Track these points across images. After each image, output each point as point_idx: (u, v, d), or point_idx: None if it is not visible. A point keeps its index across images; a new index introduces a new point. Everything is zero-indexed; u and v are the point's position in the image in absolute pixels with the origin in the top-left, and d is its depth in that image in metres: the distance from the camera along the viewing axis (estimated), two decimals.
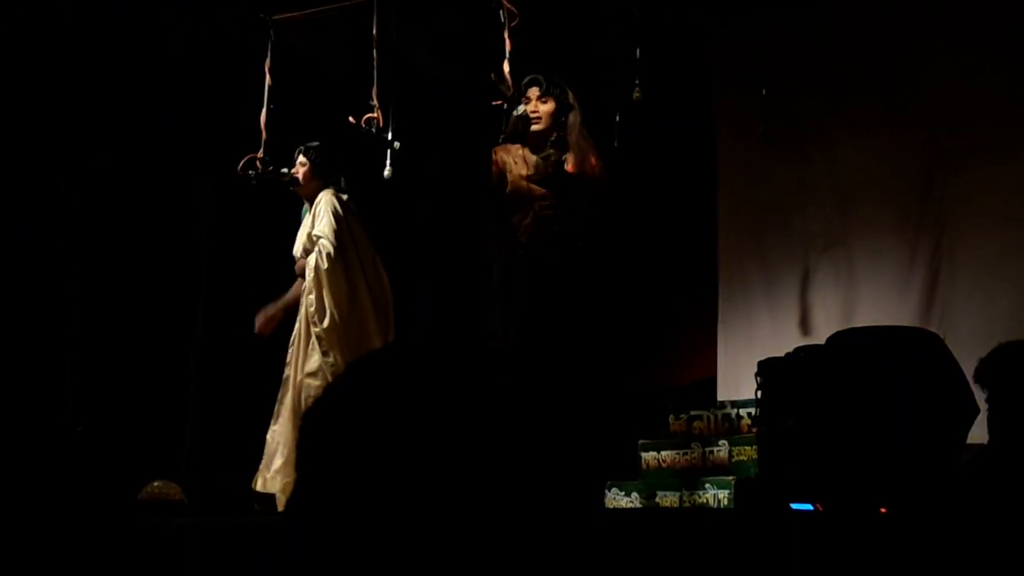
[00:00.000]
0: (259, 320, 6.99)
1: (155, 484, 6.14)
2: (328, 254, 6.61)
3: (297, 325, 6.73)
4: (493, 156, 6.13)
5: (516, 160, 6.07)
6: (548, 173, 5.91)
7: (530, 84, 6.10)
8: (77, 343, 8.11)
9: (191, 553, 4.37)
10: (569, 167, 6.01)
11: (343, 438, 1.19)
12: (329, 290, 6.61)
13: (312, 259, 6.64)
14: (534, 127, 6.06)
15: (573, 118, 6.10)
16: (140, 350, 8.25)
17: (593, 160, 6.06)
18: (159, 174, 8.38)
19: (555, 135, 6.04)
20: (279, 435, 6.64)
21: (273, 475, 6.57)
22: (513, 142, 6.13)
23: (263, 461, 6.67)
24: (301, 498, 1.20)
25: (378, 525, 1.16)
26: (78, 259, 8.17)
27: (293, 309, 6.84)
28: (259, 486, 6.62)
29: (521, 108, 6.06)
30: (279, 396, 6.73)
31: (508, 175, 6.07)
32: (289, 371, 6.72)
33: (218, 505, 6.78)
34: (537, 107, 6.07)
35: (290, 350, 6.74)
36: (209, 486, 7.07)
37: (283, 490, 6.45)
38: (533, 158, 6.04)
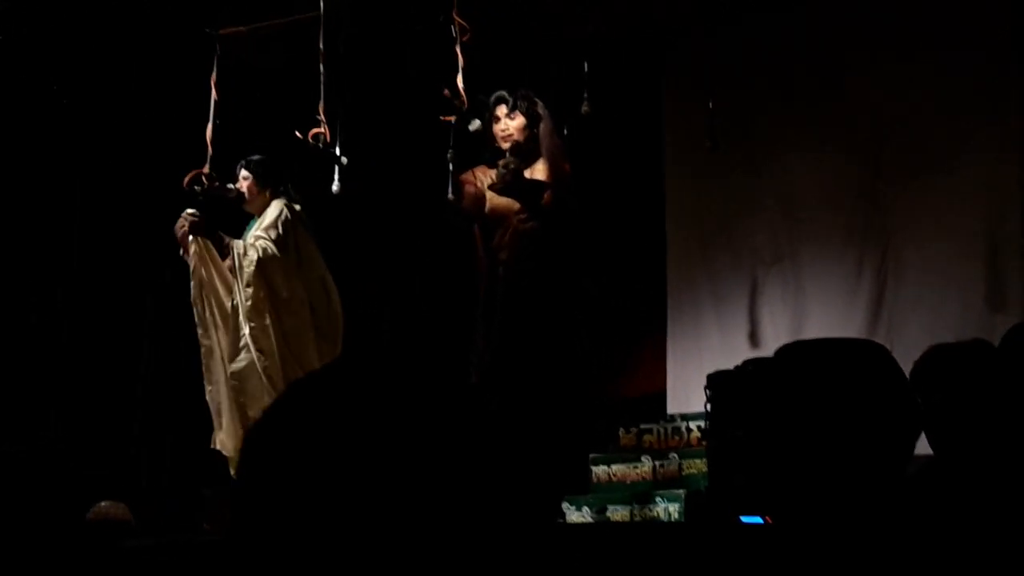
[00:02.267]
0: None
1: (102, 504, 6.08)
2: (267, 250, 6.47)
3: (199, 294, 6.59)
4: (468, 178, 6.08)
5: (489, 179, 6.05)
6: (507, 181, 5.87)
7: (497, 103, 6.06)
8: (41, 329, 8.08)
9: (139, 574, 4.33)
10: (543, 175, 5.97)
11: (286, 458, 1.17)
12: (265, 289, 6.48)
13: (252, 254, 6.50)
14: (505, 144, 6.01)
15: (544, 127, 6.07)
16: (88, 367, 8.21)
17: (567, 167, 6.04)
18: (106, 185, 8.35)
19: (522, 146, 6.00)
20: (216, 395, 6.60)
21: (227, 434, 6.52)
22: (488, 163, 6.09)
23: (215, 423, 6.60)
24: (245, 516, 1.19)
25: (325, 545, 1.15)
26: (45, 251, 8.15)
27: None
28: (217, 444, 6.58)
29: (476, 123, 6.03)
30: (204, 362, 6.64)
31: (486, 195, 6.03)
32: (209, 342, 6.62)
33: (167, 524, 6.73)
34: (507, 124, 6.02)
35: (197, 311, 6.61)
36: (159, 505, 7.03)
37: (235, 450, 6.39)
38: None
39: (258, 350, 6.43)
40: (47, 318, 8.28)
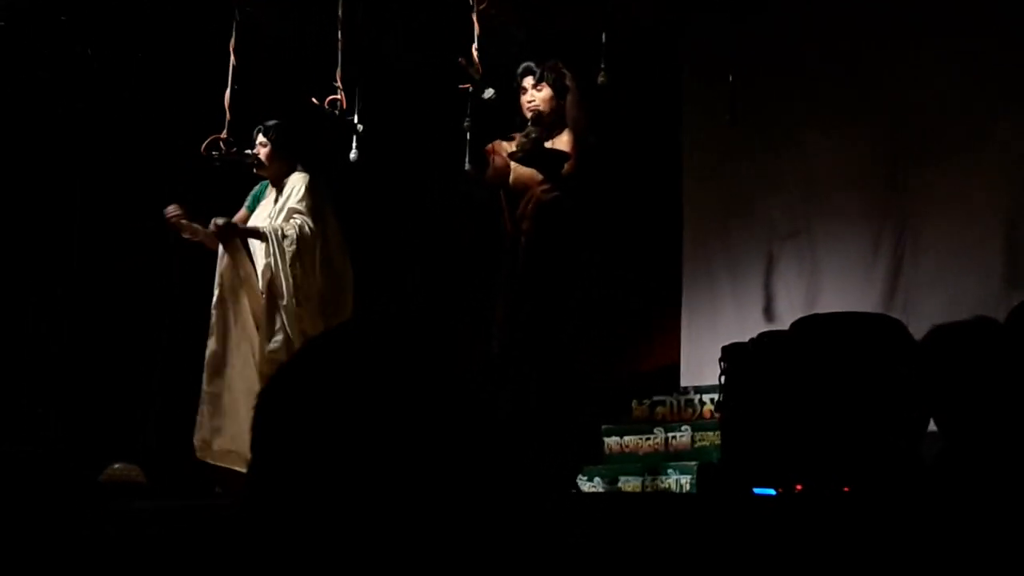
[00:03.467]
0: (175, 216, 6.57)
1: (116, 466, 6.10)
2: (308, 228, 6.47)
3: (223, 287, 6.51)
4: (492, 148, 6.05)
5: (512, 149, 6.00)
6: (527, 150, 5.83)
7: (523, 74, 5.99)
8: (39, 324, 8.08)
9: (152, 535, 4.34)
10: (567, 146, 5.93)
11: (299, 418, 1.17)
12: (302, 267, 6.47)
13: (290, 232, 6.47)
14: (531, 115, 5.96)
15: (571, 98, 6.02)
16: (107, 334, 8.22)
17: (592, 139, 6.00)
18: (125, 157, 8.34)
19: (545, 117, 5.96)
20: (217, 387, 6.48)
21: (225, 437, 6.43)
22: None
23: (206, 423, 6.47)
24: (259, 478, 1.19)
25: (338, 509, 1.14)
26: (46, 248, 8.14)
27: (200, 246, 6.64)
28: (201, 445, 6.44)
29: (490, 92, 5.98)
30: (210, 367, 6.49)
31: (510, 165, 5.99)
32: (219, 348, 6.49)
33: (180, 487, 6.73)
34: (533, 96, 5.97)
35: (215, 316, 6.51)
36: (172, 468, 7.04)
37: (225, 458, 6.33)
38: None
39: (300, 331, 6.37)
40: (48, 313, 8.29)
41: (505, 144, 6.03)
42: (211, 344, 6.52)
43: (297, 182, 6.59)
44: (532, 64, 6.00)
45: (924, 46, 7.38)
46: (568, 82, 6.01)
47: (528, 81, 5.98)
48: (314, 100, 6.14)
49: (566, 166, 5.87)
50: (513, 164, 5.96)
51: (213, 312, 6.53)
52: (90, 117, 8.18)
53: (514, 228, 5.96)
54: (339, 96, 6.12)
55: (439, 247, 8.75)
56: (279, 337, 6.40)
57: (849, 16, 7.73)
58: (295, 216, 6.48)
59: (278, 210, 6.57)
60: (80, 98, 8.09)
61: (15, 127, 7.97)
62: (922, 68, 7.38)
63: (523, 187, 5.93)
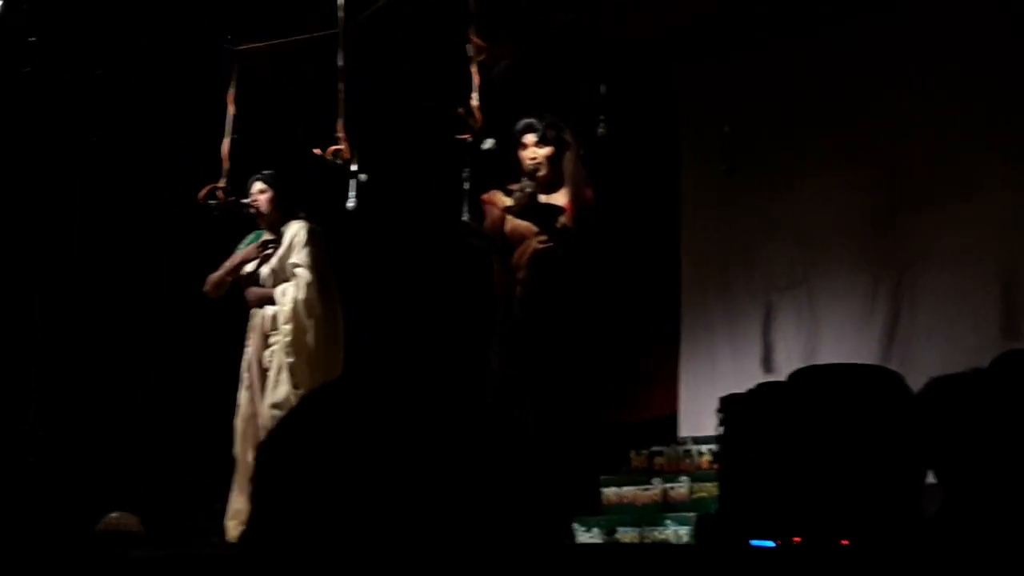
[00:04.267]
0: (210, 283, 6.75)
1: (113, 515, 6.07)
2: (310, 285, 6.49)
3: (251, 349, 6.61)
4: (488, 199, 6.06)
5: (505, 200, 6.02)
6: (523, 204, 5.85)
7: (525, 130, 6.00)
8: (34, 368, 8.07)
9: None
10: (564, 201, 5.94)
11: (300, 469, 1.18)
12: (308, 323, 6.47)
13: (290, 290, 6.49)
14: (534, 172, 5.95)
15: (569, 154, 6.03)
16: (102, 370, 8.21)
17: (589, 193, 6.01)
18: (122, 195, 8.37)
19: (543, 173, 5.96)
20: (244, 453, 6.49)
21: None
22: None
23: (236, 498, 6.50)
24: (258, 528, 1.19)
25: (336, 557, 1.14)
26: (42, 270, 8.14)
27: (238, 272, 6.71)
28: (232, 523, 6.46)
29: (489, 142, 6.00)
30: (242, 424, 6.53)
31: (505, 217, 6.00)
32: (248, 395, 6.55)
33: (176, 537, 6.70)
34: (535, 153, 5.97)
35: (246, 375, 6.60)
36: (169, 517, 7.01)
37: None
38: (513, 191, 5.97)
39: (293, 384, 6.38)
40: (51, 320, 8.29)
41: (500, 194, 6.05)
42: (242, 402, 6.62)
43: (297, 231, 6.60)
44: (535, 121, 5.99)
45: (919, 96, 7.42)
46: (567, 137, 6.03)
47: (530, 138, 5.98)
48: (316, 151, 6.16)
49: (563, 219, 5.88)
50: (508, 216, 5.98)
51: (246, 372, 6.61)
52: (89, 160, 8.21)
53: (507, 278, 5.97)
54: (342, 146, 6.14)
55: (434, 297, 8.76)
56: (283, 389, 6.40)
57: (844, 66, 7.77)
58: (296, 271, 6.51)
59: (279, 260, 6.59)
60: (81, 140, 8.13)
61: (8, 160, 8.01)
62: (917, 118, 7.41)
63: (520, 238, 5.94)
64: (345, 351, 6.67)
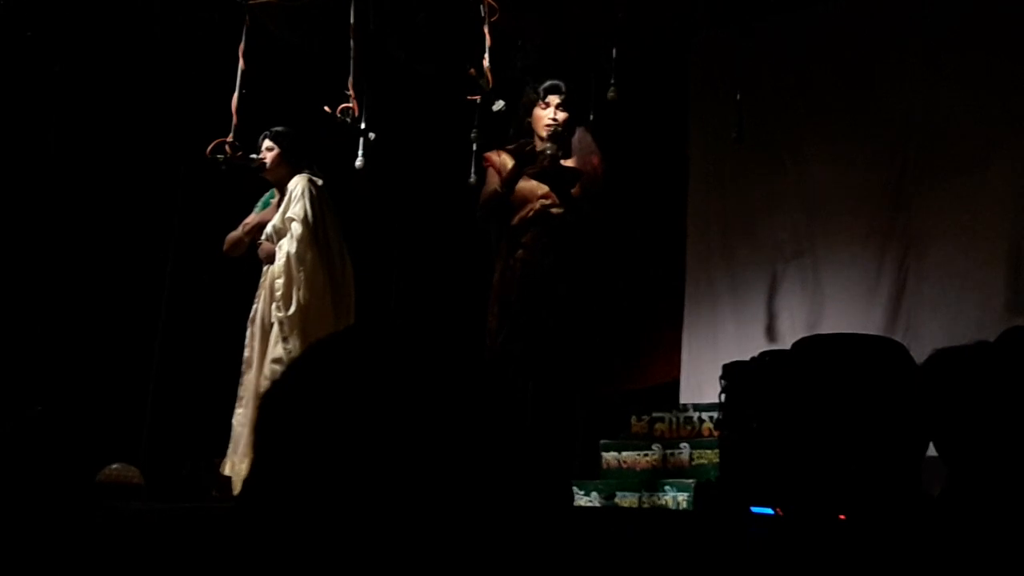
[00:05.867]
0: (228, 242, 6.83)
1: (113, 467, 6.10)
2: (301, 238, 6.50)
3: (259, 306, 6.60)
4: (489, 159, 6.04)
5: (511, 161, 5.99)
6: (545, 167, 5.83)
7: (551, 91, 5.95)
8: (40, 323, 8.07)
9: (147, 537, 4.34)
10: (571, 164, 5.93)
11: (301, 420, 1.18)
12: (298, 276, 6.49)
13: (283, 243, 6.53)
14: (545, 132, 5.94)
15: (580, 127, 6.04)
16: (104, 332, 8.21)
17: (595, 160, 5.99)
18: (131, 158, 8.36)
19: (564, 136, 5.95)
20: (244, 418, 6.52)
21: (241, 458, 6.44)
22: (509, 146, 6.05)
23: (231, 446, 6.53)
24: (258, 481, 1.19)
25: (337, 510, 1.15)
26: (45, 242, 8.13)
27: (258, 233, 6.75)
28: (227, 470, 6.47)
29: (500, 104, 5.98)
30: (241, 379, 6.61)
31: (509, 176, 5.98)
32: (249, 352, 6.58)
33: (176, 489, 6.73)
34: (556, 115, 5.95)
35: (249, 330, 6.60)
36: (169, 470, 7.03)
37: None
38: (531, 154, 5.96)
39: (282, 338, 6.41)
40: (45, 312, 8.28)
41: (505, 154, 6.03)
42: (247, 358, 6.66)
43: (297, 190, 6.61)
44: (561, 84, 5.97)
45: (930, 68, 7.39)
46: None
47: (553, 99, 5.95)
48: (327, 108, 6.15)
49: (575, 186, 5.88)
50: (524, 176, 5.96)
51: (248, 327, 6.65)
52: (94, 118, 8.19)
53: (508, 241, 5.95)
54: (351, 104, 6.12)
55: (437, 255, 8.77)
56: (280, 344, 6.42)
57: (855, 37, 7.74)
58: (290, 224, 6.53)
59: (280, 215, 6.62)
60: (85, 98, 8.11)
61: (13, 124, 7.98)
62: (927, 90, 7.38)
63: (522, 200, 5.93)
64: (356, 307, 6.70)
